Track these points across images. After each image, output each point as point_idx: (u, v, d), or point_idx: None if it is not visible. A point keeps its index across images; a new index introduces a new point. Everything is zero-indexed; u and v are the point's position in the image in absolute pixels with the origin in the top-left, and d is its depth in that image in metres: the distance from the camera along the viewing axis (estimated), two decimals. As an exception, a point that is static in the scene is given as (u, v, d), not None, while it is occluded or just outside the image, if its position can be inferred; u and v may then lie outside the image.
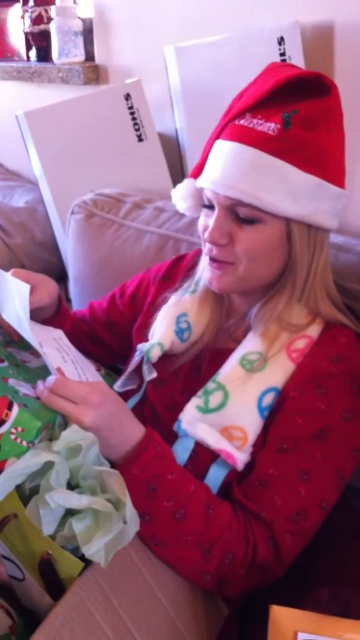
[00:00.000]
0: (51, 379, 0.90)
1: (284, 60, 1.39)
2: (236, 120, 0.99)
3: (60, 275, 1.84)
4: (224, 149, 0.99)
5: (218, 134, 1.02)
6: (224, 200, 0.98)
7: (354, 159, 1.31)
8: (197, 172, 1.06)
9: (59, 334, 1.11)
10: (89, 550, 0.78)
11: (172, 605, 0.92)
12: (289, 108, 0.94)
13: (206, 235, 1.01)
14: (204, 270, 1.08)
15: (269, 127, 0.94)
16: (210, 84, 1.44)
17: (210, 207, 1.01)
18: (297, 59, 1.38)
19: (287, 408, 0.98)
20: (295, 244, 0.98)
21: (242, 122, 0.98)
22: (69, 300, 1.75)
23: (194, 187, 1.08)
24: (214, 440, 0.99)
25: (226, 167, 0.97)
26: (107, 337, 1.32)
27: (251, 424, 0.98)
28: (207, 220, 1.03)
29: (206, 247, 1.03)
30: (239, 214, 0.97)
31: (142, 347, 1.12)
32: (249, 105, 0.97)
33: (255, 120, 0.96)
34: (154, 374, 1.10)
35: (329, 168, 0.97)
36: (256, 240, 0.98)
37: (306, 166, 0.94)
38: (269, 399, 0.99)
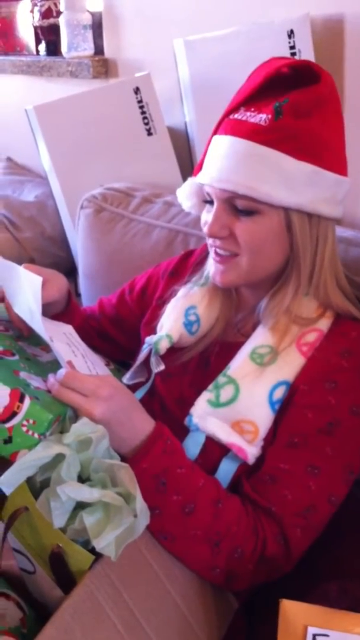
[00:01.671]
0: (62, 371, 0.90)
1: (293, 54, 1.38)
2: (231, 115, 0.99)
3: (69, 270, 1.84)
4: (219, 143, 0.99)
5: (215, 130, 1.02)
6: (221, 194, 0.98)
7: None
8: (199, 169, 1.07)
9: (69, 329, 1.12)
10: (99, 544, 0.78)
11: (182, 599, 0.92)
12: (281, 98, 0.94)
13: (206, 229, 1.02)
14: (210, 266, 1.09)
15: (261, 118, 0.94)
16: (220, 77, 1.44)
17: (211, 202, 1.02)
18: (307, 52, 1.38)
19: (297, 402, 0.98)
20: (296, 234, 0.98)
21: (236, 116, 0.98)
22: (78, 294, 1.75)
23: (196, 185, 1.09)
24: (225, 435, 0.99)
25: (221, 161, 0.98)
26: (116, 334, 1.33)
27: (262, 417, 0.98)
28: (207, 216, 1.03)
29: (210, 241, 1.04)
30: (237, 206, 0.98)
31: (150, 339, 1.12)
32: (243, 99, 0.98)
33: (248, 113, 0.96)
34: (162, 367, 1.10)
35: (325, 155, 0.96)
36: (255, 232, 0.98)
37: (300, 154, 0.94)
38: (279, 393, 0.99)
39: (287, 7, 1.40)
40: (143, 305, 1.26)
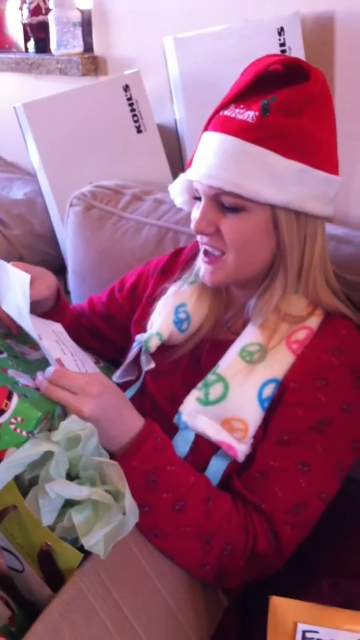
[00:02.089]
0: (50, 369, 0.90)
1: (283, 51, 1.38)
2: (221, 111, 0.99)
3: (59, 268, 1.84)
4: (209, 140, 0.99)
5: (206, 126, 1.02)
6: (208, 190, 0.98)
7: (355, 149, 1.31)
8: (190, 165, 1.06)
9: (58, 327, 1.11)
10: (88, 542, 0.78)
11: (171, 596, 0.92)
12: (269, 96, 0.94)
13: (192, 225, 1.02)
14: (200, 265, 1.09)
15: (249, 115, 0.94)
16: (210, 75, 1.44)
17: (200, 198, 1.02)
18: (297, 50, 1.38)
19: (287, 399, 0.98)
20: (282, 232, 0.98)
21: (225, 112, 0.98)
22: (67, 292, 1.75)
23: (187, 181, 1.09)
24: (215, 433, 0.99)
25: (209, 157, 0.98)
26: (106, 331, 1.32)
27: (252, 415, 0.98)
28: (195, 212, 1.03)
29: (198, 238, 1.04)
30: (224, 203, 0.98)
31: (140, 337, 1.12)
32: (233, 96, 0.98)
33: (237, 110, 0.96)
34: (152, 365, 1.09)
35: (315, 154, 0.96)
36: (241, 229, 0.98)
37: (289, 152, 0.94)
38: (269, 390, 0.99)
39: (277, 5, 1.40)
40: (133, 303, 1.26)
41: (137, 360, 1.12)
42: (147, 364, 1.09)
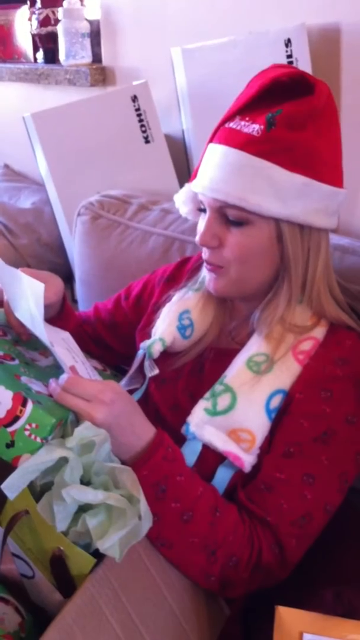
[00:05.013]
0: (64, 376, 0.90)
1: (290, 63, 1.39)
2: (226, 123, 0.99)
3: (66, 277, 1.84)
4: (214, 152, 0.99)
5: (212, 138, 1.03)
6: (213, 203, 0.98)
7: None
8: (195, 175, 1.07)
9: (66, 335, 1.12)
10: (103, 545, 0.79)
11: (177, 604, 0.93)
12: (274, 109, 0.94)
13: (197, 238, 1.02)
14: (205, 274, 1.09)
15: (254, 128, 0.95)
16: (217, 85, 1.45)
17: (204, 210, 1.02)
18: (304, 61, 1.39)
19: (292, 411, 0.98)
20: (286, 245, 0.98)
21: (231, 124, 0.98)
22: (75, 301, 1.75)
23: (191, 191, 1.09)
24: (222, 443, 0.98)
25: (214, 170, 0.98)
26: (110, 339, 1.33)
27: (259, 426, 0.98)
28: (201, 224, 1.03)
29: (202, 250, 1.05)
30: (228, 217, 0.98)
31: (144, 344, 1.13)
32: (239, 108, 0.98)
33: (242, 123, 0.96)
34: (156, 371, 1.10)
35: (319, 167, 0.96)
36: (245, 243, 0.98)
37: (293, 166, 0.94)
38: (276, 401, 0.99)
39: (284, 17, 1.41)
40: (139, 311, 1.26)
41: (142, 367, 1.13)
42: (150, 370, 1.10)
